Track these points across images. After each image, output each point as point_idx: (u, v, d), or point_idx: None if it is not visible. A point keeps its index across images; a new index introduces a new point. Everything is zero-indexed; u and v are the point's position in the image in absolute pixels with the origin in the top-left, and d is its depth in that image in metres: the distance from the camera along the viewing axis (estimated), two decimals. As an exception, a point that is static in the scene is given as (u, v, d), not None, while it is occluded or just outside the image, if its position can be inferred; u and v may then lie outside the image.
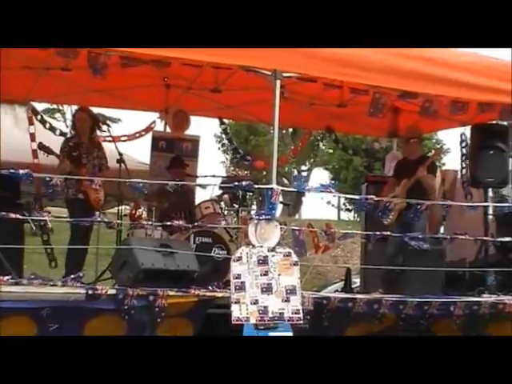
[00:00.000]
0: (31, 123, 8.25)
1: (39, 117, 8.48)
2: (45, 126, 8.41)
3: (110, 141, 7.75)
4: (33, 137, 8.12)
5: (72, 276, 5.70)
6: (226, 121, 10.03)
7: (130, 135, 8.84)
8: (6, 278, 5.46)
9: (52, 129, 8.45)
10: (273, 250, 5.83)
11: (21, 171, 5.55)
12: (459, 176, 8.56)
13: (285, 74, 6.15)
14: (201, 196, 8.44)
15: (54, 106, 25.35)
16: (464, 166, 8.33)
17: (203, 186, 6.75)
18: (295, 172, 30.14)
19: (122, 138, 8.58)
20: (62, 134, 8.31)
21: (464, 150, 8.30)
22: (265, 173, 12.64)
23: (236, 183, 6.48)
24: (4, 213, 5.58)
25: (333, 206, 27.16)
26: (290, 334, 5.59)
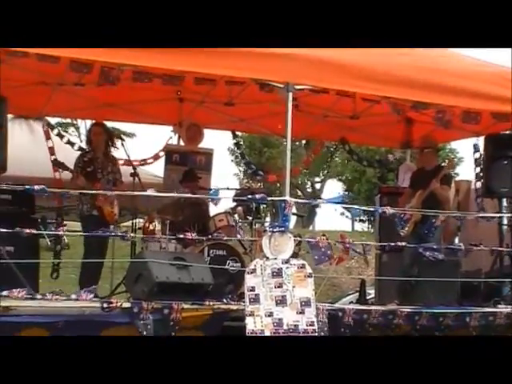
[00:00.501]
0: (48, 137, 8.29)
1: (56, 131, 8.53)
2: (62, 140, 8.45)
3: (129, 165, 7.75)
4: (52, 150, 8.16)
5: (85, 289, 5.72)
6: (238, 134, 10.05)
7: (148, 158, 8.86)
8: (21, 292, 5.49)
9: (70, 143, 8.48)
10: (287, 262, 5.83)
11: (36, 186, 5.60)
12: (473, 187, 8.51)
13: (297, 87, 6.17)
14: (214, 209, 8.46)
15: (68, 121, 25.44)
16: (477, 177, 8.29)
17: (216, 199, 6.75)
18: (309, 183, 30.16)
19: (142, 162, 8.59)
20: (81, 149, 8.33)
21: (477, 161, 8.26)
22: (278, 185, 12.66)
23: (249, 196, 6.49)
24: (19, 228, 5.61)
25: (347, 217, 27.15)
26: None
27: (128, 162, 7.74)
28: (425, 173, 7.69)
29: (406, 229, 7.18)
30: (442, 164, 8.25)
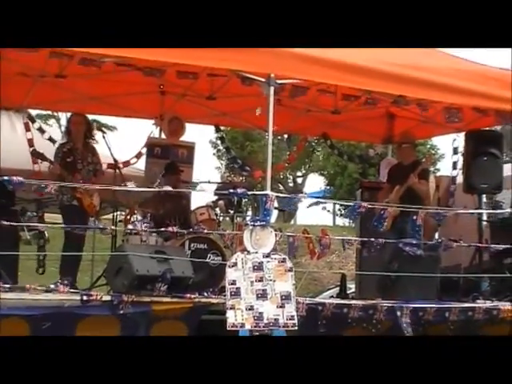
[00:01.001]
0: (28, 129, 8.22)
1: (37, 125, 8.38)
2: (43, 136, 8.30)
3: (112, 168, 7.68)
4: (31, 142, 8.09)
5: (64, 281, 5.71)
6: (221, 128, 10.01)
7: (131, 158, 8.73)
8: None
9: (51, 140, 8.28)
10: (268, 256, 5.84)
11: (14, 178, 5.56)
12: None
13: (279, 81, 6.17)
14: (196, 202, 8.46)
15: (49, 112, 25.24)
16: (455, 173, 8.37)
17: (195, 191, 6.74)
18: (291, 178, 30.20)
19: (125, 164, 8.41)
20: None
21: (455, 157, 8.35)
22: (260, 179, 12.64)
23: (231, 190, 6.48)
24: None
25: (328, 211, 27.21)
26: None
27: (112, 166, 7.68)
28: (402, 168, 7.74)
29: (385, 224, 7.22)
30: (422, 159, 8.30)
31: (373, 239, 6.82)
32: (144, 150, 8.87)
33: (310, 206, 24.77)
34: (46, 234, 7.82)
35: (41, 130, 8.39)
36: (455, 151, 8.37)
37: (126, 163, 8.47)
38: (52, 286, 5.64)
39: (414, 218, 6.88)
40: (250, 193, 6.43)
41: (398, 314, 6.34)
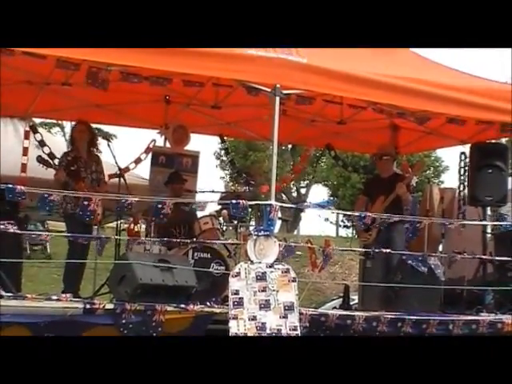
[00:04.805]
0: (27, 138, 8.20)
1: (38, 136, 8.26)
2: (43, 151, 7.86)
3: (118, 176, 7.70)
4: (25, 151, 8.09)
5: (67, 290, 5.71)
6: (226, 138, 9.99)
7: (130, 164, 8.64)
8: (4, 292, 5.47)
9: (51, 156, 7.77)
10: (271, 266, 5.84)
11: (18, 187, 5.55)
12: (457, 194, 8.58)
13: (285, 92, 6.17)
14: (200, 211, 8.44)
15: (53, 120, 25.26)
16: (462, 185, 8.36)
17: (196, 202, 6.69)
18: (294, 188, 30.18)
19: (124, 170, 8.31)
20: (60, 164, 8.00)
21: (463, 170, 8.34)
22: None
23: (233, 200, 6.46)
24: (3, 226, 5.56)
25: (331, 222, 27.17)
26: None
27: (113, 176, 7.70)
28: (380, 180, 7.82)
29: (371, 233, 7.28)
30: (398, 171, 8.37)
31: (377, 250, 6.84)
32: (143, 156, 8.84)
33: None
34: (49, 250, 7.75)
35: (41, 144, 8.10)
36: (461, 164, 8.38)
37: (126, 169, 8.42)
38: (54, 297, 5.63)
39: (406, 227, 6.95)
40: (253, 203, 6.42)
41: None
